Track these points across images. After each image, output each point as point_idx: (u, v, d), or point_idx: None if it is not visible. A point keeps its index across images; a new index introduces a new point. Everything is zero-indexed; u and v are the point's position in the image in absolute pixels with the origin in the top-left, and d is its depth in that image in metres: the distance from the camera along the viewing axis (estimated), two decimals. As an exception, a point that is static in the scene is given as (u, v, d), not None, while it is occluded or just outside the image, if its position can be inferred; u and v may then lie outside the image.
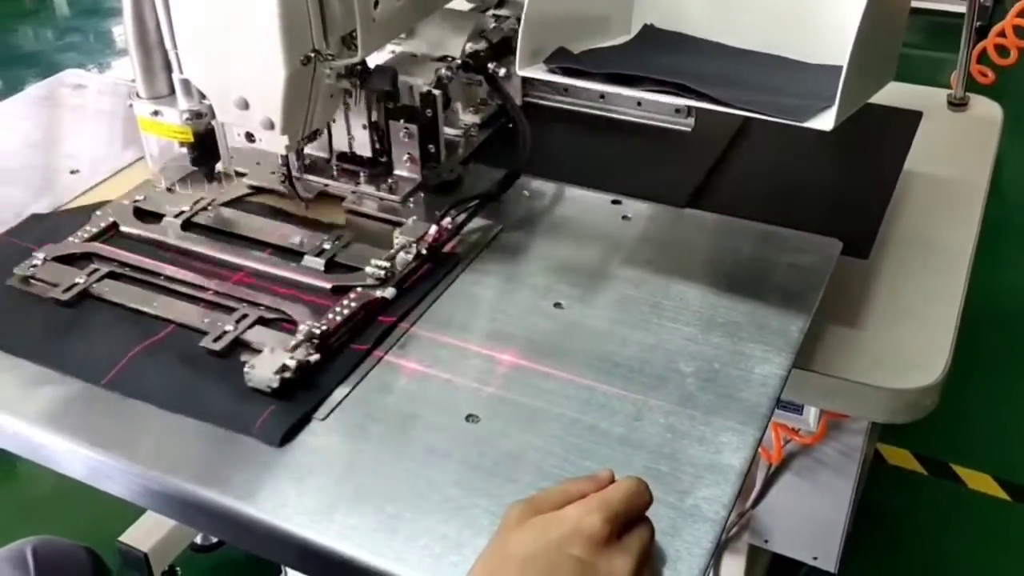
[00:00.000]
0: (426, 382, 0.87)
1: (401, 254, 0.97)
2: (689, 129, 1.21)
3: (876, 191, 1.13)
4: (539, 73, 0.87)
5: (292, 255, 1.01)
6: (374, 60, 1.09)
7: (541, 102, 1.32)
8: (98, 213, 1.07)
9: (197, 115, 1.03)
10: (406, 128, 1.08)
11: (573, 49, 0.92)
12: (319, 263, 0.98)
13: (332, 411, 0.84)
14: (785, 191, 1.14)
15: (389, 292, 0.94)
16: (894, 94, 1.51)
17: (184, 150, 1.07)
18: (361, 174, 1.12)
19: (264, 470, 0.79)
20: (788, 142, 1.11)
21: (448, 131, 1.17)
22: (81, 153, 1.25)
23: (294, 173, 1.04)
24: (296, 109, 0.96)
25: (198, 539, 1.78)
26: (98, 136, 1.30)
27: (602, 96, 1.23)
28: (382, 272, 0.95)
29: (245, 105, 0.95)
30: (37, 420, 0.84)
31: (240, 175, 1.13)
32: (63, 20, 4.46)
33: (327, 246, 1.00)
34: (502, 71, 1.13)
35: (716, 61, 0.91)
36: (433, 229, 1.00)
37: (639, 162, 1.17)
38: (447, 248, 1.02)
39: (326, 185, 1.11)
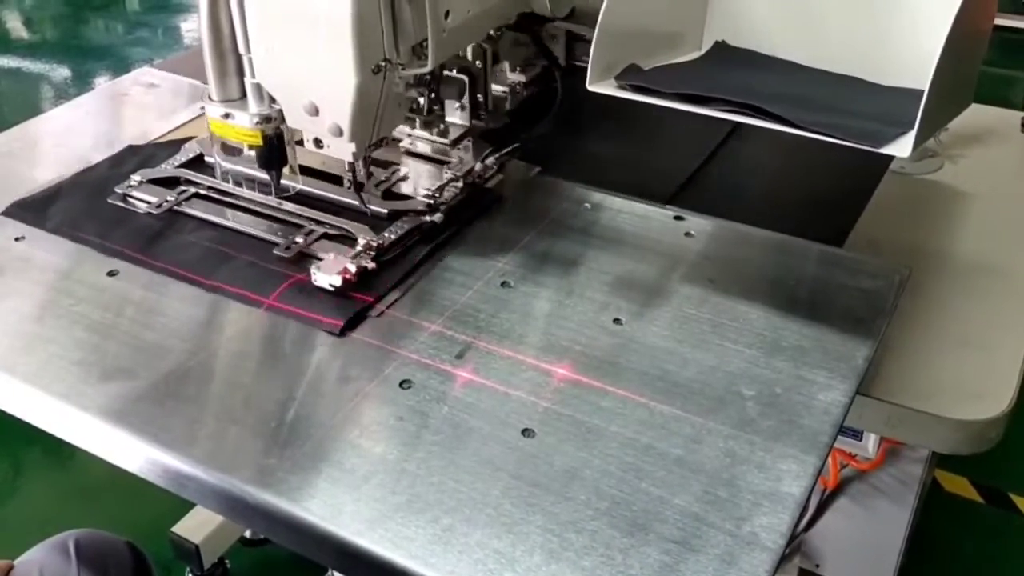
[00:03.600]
0: (481, 393, 0.87)
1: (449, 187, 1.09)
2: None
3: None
4: (610, 89, 0.87)
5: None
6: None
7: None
8: (187, 145, 1.23)
9: (267, 119, 1.04)
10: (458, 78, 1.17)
11: (644, 65, 0.91)
12: (377, 192, 1.10)
13: (386, 309, 0.96)
14: (844, 215, 1.12)
15: (437, 217, 1.06)
16: (963, 116, 1.48)
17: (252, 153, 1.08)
18: (417, 120, 1.20)
19: (319, 475, 0.79)
20: (841, 167, 1.09)
21: (496, 88, 1.29)
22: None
23: (359, 179, 1.05)
24: (365, 116, 0.96)
25: (248, 533, 1.80)
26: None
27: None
28: (430, 199, 1.07)
29: (315, 111, 0.96)
30: (100, 413, 0.86)
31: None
32: (133, 15, 4.55)
33: (383, 177, 1.13)
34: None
35: (789, 80, 0.90)
36: (477, 165, 1.13)
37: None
38: (489, 184, 1.15)
39: None
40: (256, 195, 1.12)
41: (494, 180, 1.16)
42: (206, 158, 1.19)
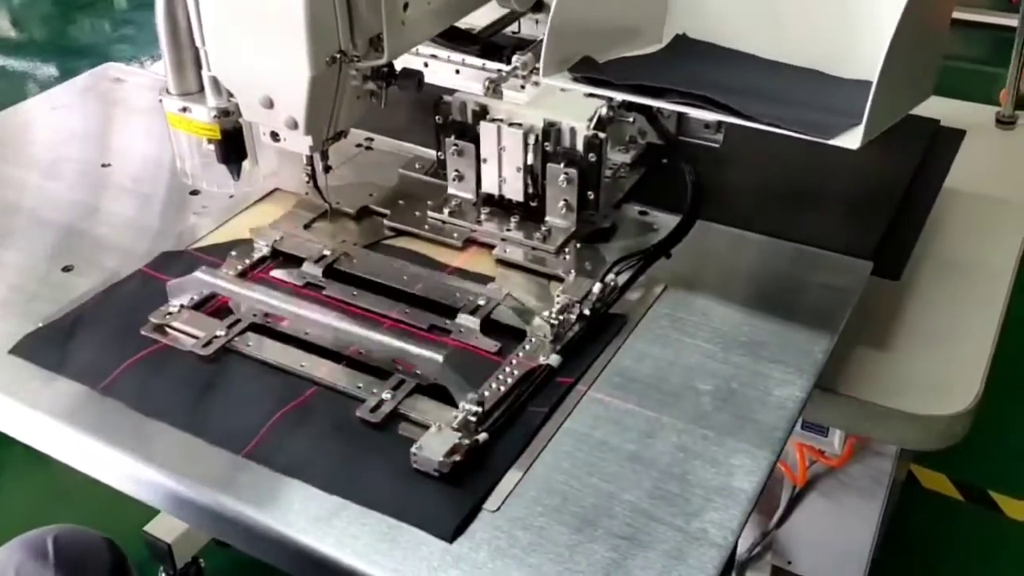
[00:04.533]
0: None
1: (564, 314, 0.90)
2: (717, 145, 1.19)
3: (912, 211, 1.10)
4: (563, 82, 0.86)
5: (441, 309, 0.95)
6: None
7: (697, 141, 1.16)
8: (233, 254, 1.02)
9: (225, 113, 1.03)
10: (566, 173, 1.00)
11: (600, 58, 0.90)
12: (474, 322, 0.91)
13: (504, 501, 0.75)
14: (817, 208, 1.11)
15: (554, 360, 0.86)
16: (940, 109, 1.47)
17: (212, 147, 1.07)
18: (511, 220, 1.05)
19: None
20: (823, 158, 1.09)
21: None
22: (114, 147, 1.26)
23: (319, 173, 1.04)
24: (321, 109, 0.95)
25: (222, 532, 1.79)
26: (131, 131, 1.31)
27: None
28: (549, 334, 0.88)
29: (270, 104, 0.95)
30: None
31: (380, 215, 1.10)
32: (120, 13, 4.53)
33: (481, 302, 0.93)
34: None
35: (747, 73, 0.89)
36: (597, 287, 0.93)
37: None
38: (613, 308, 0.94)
39: (473, 230, 1.05)
40: (326, 315, 0.89)
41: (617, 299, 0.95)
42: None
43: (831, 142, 0.72)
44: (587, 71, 0.87)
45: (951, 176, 1.24)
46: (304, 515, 0.75)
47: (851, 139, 0.72)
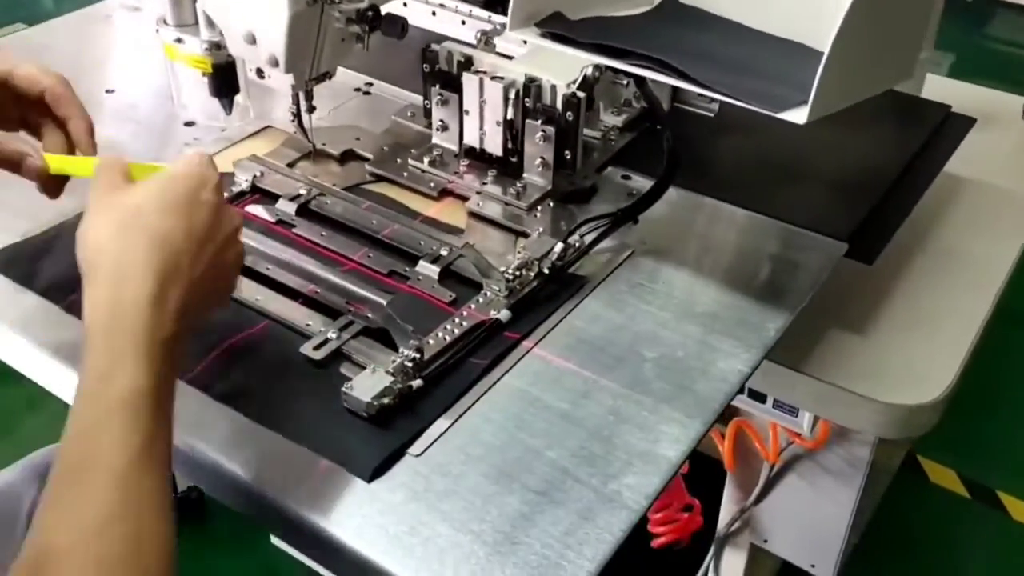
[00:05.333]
0: (388, 334, 0.87)
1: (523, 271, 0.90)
2: (712, 115, 1.17)
3: (903, 196, 1.07)
4: (529, 36, 0.85)
5: (405, 256, 0.95)
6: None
7: (691, 109, 1.20)
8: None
9: (216, 47, 1.04)
10: (543, 131, 1.00)
11: (575, 15, 0.89)
12: (433, 271, 0.92)
13: (429, 447, 0.76)
14: (803, 185, 1.09)
15: (504, 315, 0.87)
16: (964, 95, 1.44)
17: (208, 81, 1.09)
18: (489, 174, 1.05)
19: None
20: (819, 135, 1.07)
21: (586, 132, 1.06)
22: (117, 74, 1.28)
23: (303, 112, 1.04)
24: (302, 49, 0.96)
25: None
26: (136, 60, 1.33)
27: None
28: (504, 289, 0.88)
29: (252, 40, 0.96)
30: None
31: (363, 159, 1.10)
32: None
33: (444, 252, 0.93)
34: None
35: (724, 41, 0.88)
36: (559, 247, 0.92)
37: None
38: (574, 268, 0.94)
39: (450, 181, 1.05)
40: (293, 254, 0.92)
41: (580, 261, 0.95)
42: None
43: (779, 115, 0.71)
44: (554, 27, 0.86)
45: (962, 165, 1.21)
46: (228, 442, 0.76)
47: (799, 114, 0.70)
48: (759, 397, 1.12)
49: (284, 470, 0.74)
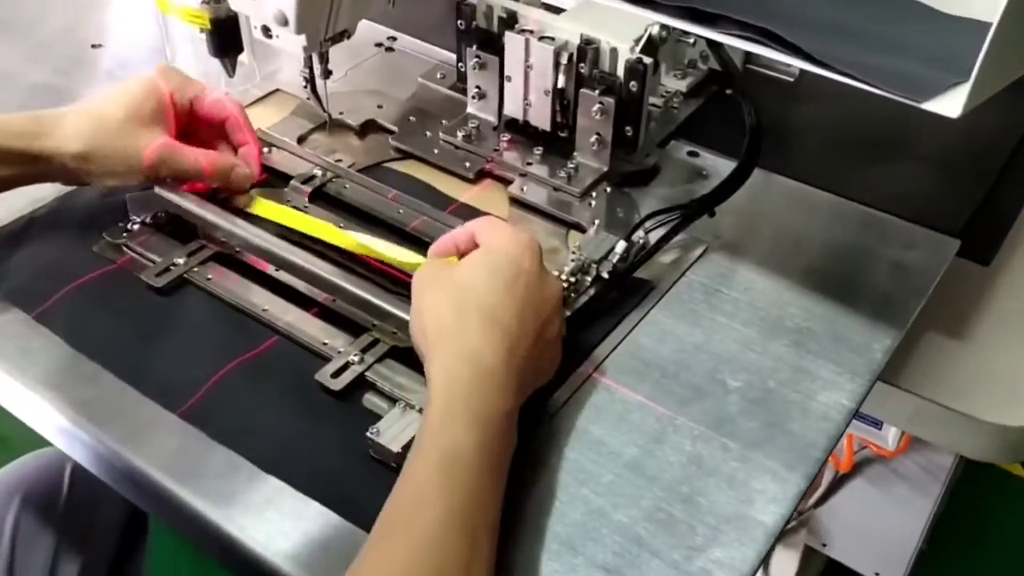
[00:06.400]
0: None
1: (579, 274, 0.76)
2: (791, 79, 1.01)
3: (1014, 178, 0.92)
4: (599, -7, 0.69)
5: None
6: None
7: (766, 72, 1.04)
8: None
9: (215, -1, 0.89)
10: (601, 103, 0.84)
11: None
12: None
13: None
14: (901, 166, 0.94)
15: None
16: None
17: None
18: (534, 152, 0.90)
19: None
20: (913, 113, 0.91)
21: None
22: (107, 32, 1.12)
23: (317, 77, 0.89)
24: (316, 4, 0.81)
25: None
26: (127, 12, 1.17)
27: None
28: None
29: (257, -7, 0.80)
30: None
31: (387, 131, 0.94)
32: None
33: None
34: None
35: (835, 4, 0.71)
36: (620, 245, 0.78)
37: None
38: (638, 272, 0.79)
39: (489, 160, 0.90)
40: (303, 257, 0.75)
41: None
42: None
43: (924, 106, 0.55)
44: (630, -16, 0.70)
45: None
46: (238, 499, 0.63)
47: (951, 104, 0.55)
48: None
49: (295, 536, 0.61)
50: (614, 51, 0.83)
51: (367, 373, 0.69)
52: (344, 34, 0.86)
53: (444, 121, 0.93)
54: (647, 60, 0.82)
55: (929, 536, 1.30)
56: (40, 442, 0.74)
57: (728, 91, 0.99)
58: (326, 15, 0.83)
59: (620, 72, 0.83)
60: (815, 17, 0.65)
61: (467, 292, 0.63)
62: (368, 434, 0.63)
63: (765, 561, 1.39)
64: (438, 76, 1.01)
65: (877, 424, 0.99)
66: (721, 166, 0.91)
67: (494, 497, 0.58)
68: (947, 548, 1.55)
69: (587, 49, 0.83)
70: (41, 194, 0.85)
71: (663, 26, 0.82)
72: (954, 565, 1.62)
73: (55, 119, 0.77)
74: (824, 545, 1.32)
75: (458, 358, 0.61)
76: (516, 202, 0.87)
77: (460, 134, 0.91)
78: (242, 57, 0.96)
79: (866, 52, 0.61)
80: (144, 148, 0.78)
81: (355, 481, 0.63)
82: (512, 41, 0.85)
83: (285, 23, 0.81)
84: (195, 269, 0.78)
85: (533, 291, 0.65)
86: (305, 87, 0.91)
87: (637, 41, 0.83)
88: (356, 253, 0.78)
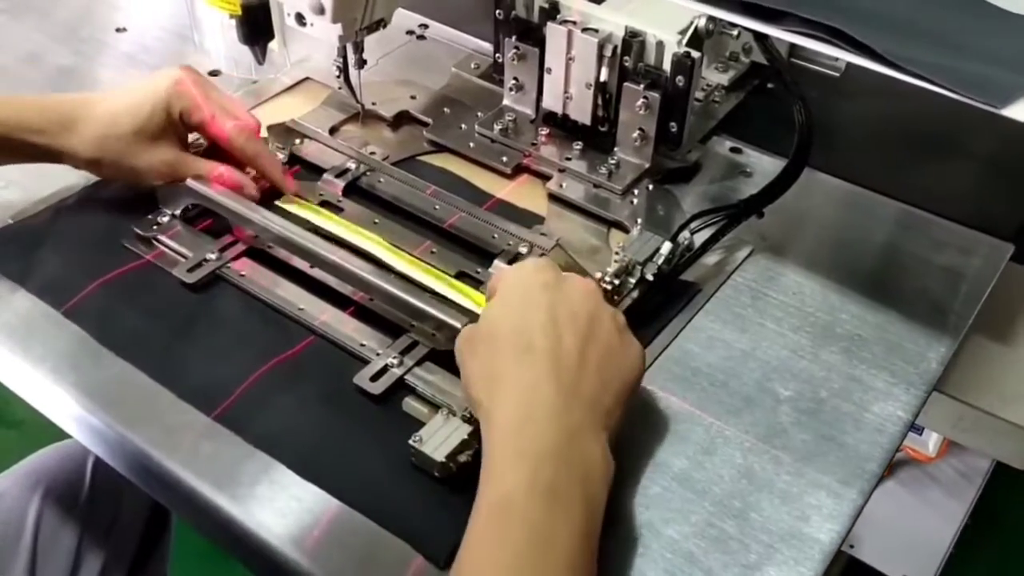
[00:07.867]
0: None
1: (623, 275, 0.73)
2: (838, 74, 0.98)
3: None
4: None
5: (475, 251, 0.78)
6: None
7: (811, 67, 1.01)
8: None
9: (246, -16, 0.86)
10: (645, 97, 0.81)
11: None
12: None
13: None
14: (951, 165, 0.91)
15: None
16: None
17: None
18: (574, 147, 0.87)
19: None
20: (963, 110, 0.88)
21: None
22: (132, 15, 1.10)
23: (351, 67, 0.87)
24: (353, -8, 0.78)
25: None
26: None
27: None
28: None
29: (292, -20, 0.77)
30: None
31: (421, 123, 0.92)
32: None
33: (523, 250, 0.76)
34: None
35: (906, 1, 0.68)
36: (666, 247, 0.75)
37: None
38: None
39: (527, 155, 0.87)
40: (341, 256, 0.73)
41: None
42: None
43: (1004, 112, 0.53)
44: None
45: None
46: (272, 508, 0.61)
47: (1033, 109, 0.52)
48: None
49: (340, 553, 0.59)
50: (660, 44, 0.80)
51: (406, 377, 0.67)
52: (380, 23, 0.84)
53: (479, 113, 0.91)
54: (695, 54, 0.79)
55: (959, 540, 1.28)
56: (59, 432, 0.72)
57: (770, 85, 0.97)
58: (363, 4, 0.80)
59: (666, 66, 0.80)
60: (883, 15, 0.62)
61: (494, 336, 0.60)
62: (411, 442, 0.61)
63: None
64: (472, 66, 0.99)
65: (918, 429, 0.97)
66: (765, 163, 0.89)
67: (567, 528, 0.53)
68: (976, 552, 1.53)
69: (632, 42, 0.80)
70: (69, 182, 0.83)
71: (710, 18, 0.79)
72: (982, 570, 1.60)
73: (71, 122, 0.76)
74: (851, 547, 1.30)
75: (506, 402, 0.57)
76: (555, 198, 0.84)
77: (497, 127, 0.89)
78: (272, 43, 0.94)
79: (938, 53, 0.58)
80: (152, 162, 0.77)
81: (395, 490, 0.61)
82: (554, 32, 0.83)
83: (321, 11, 0.78)
84: (228, 265, 0.76)
85: (556, 295, 0.61)
86: (338, 76, 0.88)
87: (683, 33, 0.80)
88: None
